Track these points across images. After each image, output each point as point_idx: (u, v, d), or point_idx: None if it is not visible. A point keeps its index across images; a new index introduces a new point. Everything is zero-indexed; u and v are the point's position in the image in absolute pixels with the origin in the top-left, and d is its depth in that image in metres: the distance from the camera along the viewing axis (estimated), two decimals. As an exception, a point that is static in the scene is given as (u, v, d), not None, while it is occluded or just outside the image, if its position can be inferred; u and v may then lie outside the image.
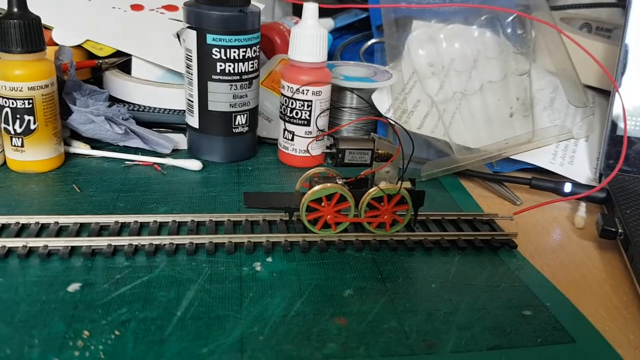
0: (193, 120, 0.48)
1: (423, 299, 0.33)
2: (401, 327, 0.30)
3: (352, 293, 0.33)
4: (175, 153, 0.50)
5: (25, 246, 0.34)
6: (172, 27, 0.58)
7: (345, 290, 0.33)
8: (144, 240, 0.35)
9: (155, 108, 0.53)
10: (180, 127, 0.53)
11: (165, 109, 0.53)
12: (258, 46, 0.47)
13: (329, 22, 0.73)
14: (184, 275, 0.33)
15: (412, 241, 0.38)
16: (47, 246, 0.34)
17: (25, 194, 0.41)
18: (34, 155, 0.43)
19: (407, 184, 0.38)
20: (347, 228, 0.38)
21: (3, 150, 0.44)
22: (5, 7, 0.55)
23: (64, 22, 0.56)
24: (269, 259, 0.36)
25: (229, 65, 0.45)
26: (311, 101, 0.47)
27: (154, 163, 0.47)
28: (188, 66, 0.46)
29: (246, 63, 0.46)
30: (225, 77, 0.46)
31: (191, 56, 0.46)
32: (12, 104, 0.41)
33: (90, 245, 0.34)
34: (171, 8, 0.61)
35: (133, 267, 0.34)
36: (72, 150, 0.47)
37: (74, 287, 0.31)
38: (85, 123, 0.47)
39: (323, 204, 0.37)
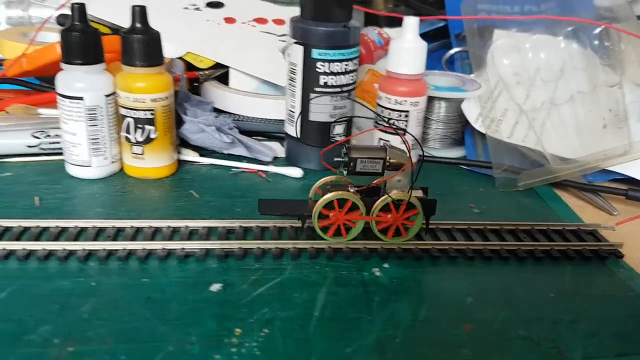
0: (293, 130, 0.50)
1: (544, 307, 0.34)
2: (529, 334, 0.31)
3: (473, 301, 0.34)
4: (274, 161, 0.52)
5: (164, 249, 0.37)
6: (266, 40, 0.60)
7: (466, 297, 0.34)
8: (270, 244, 0.38)
9: (252, 117, 0.56)
10: (275, 136, 0.56)
11: (261, 118, 0.56)
12: (357, 59, 0.49)
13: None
14: (310, 278, 0.35)
15: (523, 251, 0.39)
16: (184, 249, 0.37)
17: (147, 199, 0.44)
18: (153, 162, 0.46)
19: (419, 193, 0.39)
20: (472, 238, 0.40)
21: (120, 158, 0.47)
22: (115, 22, 0.59)
23: (165, 34, 0.59)
24: (386, 265, 0.37)
25: (332, 78, 0.47)
26: (408, 111, 0.48)
27: (258, 170, 0.50)
28: (292, 79, 0.49)
29: (347, 75, 0.48)
30: (328, 89, 0.48)
31: (295, 70, 0.48)
32: (135, 114, 0.45)
33: (223, 248, 0.37)
34: (261, 21, 0.63)
35: (264, 269, 0.36)
36: (182, 157, 0.50)
37: (216, 287, 0.34)
38: (196, 132, 0.50)
39: (335, 211, 0.38)
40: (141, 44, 0.43)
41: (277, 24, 0.64)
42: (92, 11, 0.60)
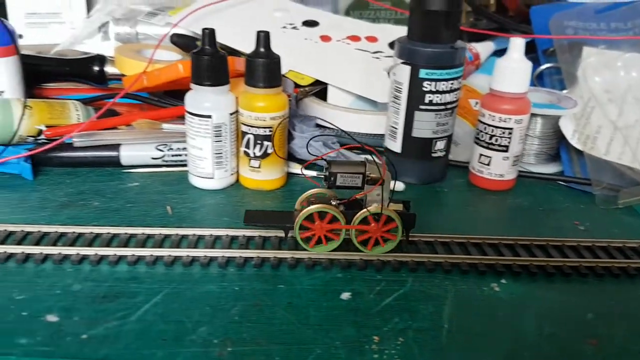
0: (395, 145, 0.52)
1: (666, 326, 0.35)
2: (656, 351, 0.33)
3: (593, 317, 0.35)
4: (374, 174, 0.55)
5: (293, 257, 0.40)
6: (360, 57, 0.63)
7: (586, 314, 0.36)
8: (389, 256, 0.40)
9: (349, 132, 0.58)
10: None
11: (358, 133, 0.58)
12: (461, 77, 0.50)
13: (490, 46, 0.75)
14: (432, 291, 0.37)
15: (633, 268, 0.40)
16: (310, 258, 0.39)
17: (267, 209, 0.47)
18: (267, 175, 0.50)
19: (399, 206, 0.41)
20: (567, 254, 0.41)
21: (237, 171, 0.51)
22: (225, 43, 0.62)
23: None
24: (503, 281, 0.39)
25: (437, 97, 0.49)
26: (512, 129, 0.50)
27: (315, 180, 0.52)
28: (396, 97, 0.51)
29: (451, 94, 0.50)
30: (432, 107, 0.50)
31: (401, 88, 0.50)
32: (255, 131, 0.48)
33: (347, 259, 0.40)
34: (354, 38, 0.66)
35: (386, 280, 0.38)
36: (289, 170, 0.53)
37: (345, 295, 0.37)
38: (304, 147, 0.53)
39: (316, 222, 0.39)
40: (264, 67, 0.46)
41: (370, 41, 0.66)
42: (198, 30, 0.64)
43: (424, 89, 0.49)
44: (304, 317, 0.34)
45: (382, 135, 0.57)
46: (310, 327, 0.33)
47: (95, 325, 0.32)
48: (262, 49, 0.47)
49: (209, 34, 0.46)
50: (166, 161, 0.52)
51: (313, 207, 0.39)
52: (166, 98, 0.60)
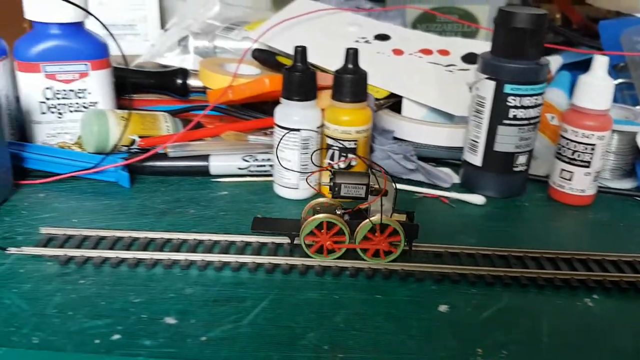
0: (475, 159, 0.53)
1: None
2: None
3: (695, 335, 0.36)
4: (450, 187, 0.55)
5: (387, 269, 0.41)
6: (434, 70, 0.64)
7: (686, 332, 0.36)
8: (482, 270, 0.41)
9: (425, 144, 0.59)
10: (444, 162, 0.59)
11: (433, 146, 0.59)
12: (544, 92, 0.51)
13: (559, 60, 0.75)
14: (528, 306, 0.38)
15: None
16: (404, 269, 0.41)
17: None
18: (350, 186, 0.51)
19: (403, 217, 0.41)
20: None
21: (319, 182, 0.53)
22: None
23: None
24: (595, 296, 0.39)
25: (521, 112, 0.50)
26: (595, 145, 0.50)
27: (440, 196, 0.53)
28: (478, 111, 0.52)
29: (535, 109, 0.50)
30: (516, 122, 0.50)
31: (484, 103, 0.51)
32: (340, 144, 0.50)
33: (440, 272, 0.41)
34: (426, 52, 0.67)
35: (480, 294, 0.39)
36: (369, 181, 0.55)
37: (443, 308, 0.38)
38: (383, 159, 0.54)
39: (323, 231, 0.41)
40: (351, 83, 0.48)
41: (442, 54, 0.67)
42: (275, 44, 0.67)
43: (509, 104, 0.50)
44: (405, 327, 0.36)
45: (457, 148, 0.58)
46: (414, 337, 0.35)
47: (212, 327, 0.35)
48: (350, 65, 0.48)
49: (301, 51, 0.48)
50: (251, 171, 0.55)
51: (322, 216, 0.41)
52: (244, 110, 0.63)
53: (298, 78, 0.48)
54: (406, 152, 0.55)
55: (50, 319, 0.35)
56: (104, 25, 0.46)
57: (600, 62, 0.49)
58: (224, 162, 0.54)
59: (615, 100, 0.68)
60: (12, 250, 0.41)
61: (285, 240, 0.43)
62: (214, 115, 0.64)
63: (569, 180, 0.52)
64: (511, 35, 0.49)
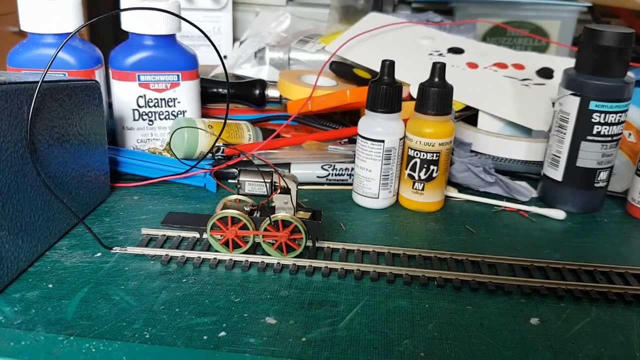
0: (556, 174, 0.53)
1: None
2: None
3: None
4: (529, 200, 0.56)
5: (475, 280, 0.42)
6: (510, 84, 0.64)
7: None
8: (571, 285, 0.41)
9: (503, 158, 0.60)
10: (524, 176, 0.59)
11: (511, 159, 0.60)
12: (628, 110, 0.51)
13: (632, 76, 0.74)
14: (617, 320, 0.38)
15: None
16: (492, 282, 0.41)
17: (432, 231, 0.49)
18: (429, 197, 0.52)
19: (307, 215, 0.44)
20: None
21: (398, 192, 0.54)
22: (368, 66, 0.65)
23: (418, 79, 0.66)
24: (689, 316, 0.39)
25: (605, 128, 0.50)
26: (682, 163, 0.50)
27: (519, 210, 0.53)
28: (561, 126, 0.52)
29: (619, 126, 0.50)
30: (599, 138, 0.50)
31: (567, 118, 0.51)
32: (423, 155, 0.51)
33: (529, 285, 0.41)
34: (501, 66, 0.68)
35: (570, 308, 0.39)
36: (446, 193, 0.55)
37: (534, 320, 0.38)
38: (462, 171, 0.55)
39: (228, 226, 0.43)
40: (436, 96, 0.49)
41: (517, 68, 0.67)
42: (350, 57, 0.68)
43: (593, 120, 0.50)
44: (499, 338, 0.36)
45: (535, 162, 0.58)
46: (508, 348, 0.35)
47: (311, 329, 0.36)
48: (436, 79, 0.50)
49: (389, 65, 0.49)
50: (329, 180, 0.56)
51: (224, 212, 0.43)
52: (319, 120, 0.65)
53: (384, 91, 0.49)
54: (485, 164, 0.55)
55: (159, 315, 0.37)
56: (207, 38, 0.48)
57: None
58: (305, 170, 0.56)
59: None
60: (117, 249, 0.44)
61: (373, 248, 0.45)
62: (291, 125, 0.66)
63: (653, 197, 0.51)
64: (598, 53, 0.49)
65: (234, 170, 0.56)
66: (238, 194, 0.44)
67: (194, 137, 0.56)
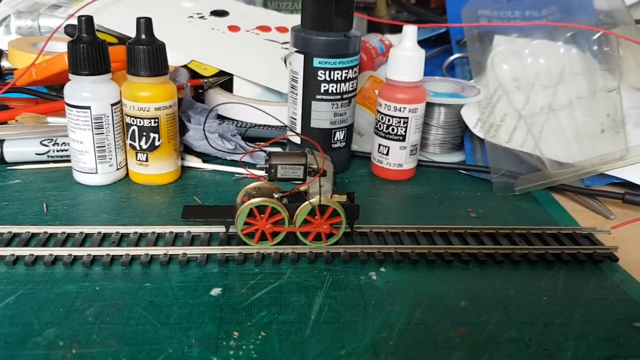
0: (295, 137, 0.51)
1: (536, 310, 0.34)
2: (521, 337, 0.32)
3: (467, 304, 0.35)
4: (276, 166, 0.53)
5: (166, 254, 0.38)
6: (268, 48, 0.61)
7: (460, 301, 0.35)
8: (270, 249, 0.39)
9: (254, 124, 0.57)
10: (279, 142, 0.57)
11: (264, 125, 0.57)
12: (357, 67, 0.50)
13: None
14: (309, 282, 0.36)
15: (517, 254, 0.40)
16: (185, 254, 0.38)
17: (152, 205, 0.45)
18: (157, 169, 0.47)
19: (343, 198, 0.40)
20: (468, 241, 0.41)
21: (126, 164, 0.49)
22: (122, 32, 0.60)
23: (170, 43, 0.60)
24: (382, 269, 0.38)
25: (332, 86, 0.48)
26: (407, 118, 0.49)
27: (261, 175, 0.51)
28: (293, 87, 0.50)
29: (347, 83, 0.49)
30: (328, 97, 0.49)
31: (297, 78, 0.49)
32: (140, 122, 0.46)
33: (224, 253, 0.38)
34: (264, 29, 0.65)
35: (263, 274, 0.37)
36: (186, 163, 0.51)
37: (216, 291, 0.35)
38: (200, 139, 0.51)
39: (257, 217, 0.38)
40: (146, 55, 0.44)
41: (280, 31, 0.65)
42: (100, 21, 0.62)
43: (319, 78, 0.48)
44: (164, 315, 0.32)
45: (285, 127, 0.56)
46: (169, 326, 0.32)
47: None
48: (143, 36, 0.45)
49: (86, 20, 0.43)
50: (51, 157, 0.50)
51: (255, 201, 0.37)
52: (59, 92, 0.58)
53: (84, 50, 0.43)
54: (226, 131, 0.52)
55: None
56: None
57: (408, 33, 0.48)
58: (20, 147, 0.49)
59: (455, 75, 0.69)
60: None
61: (64, 229, 0.39)
62: (29, 99, 0.58)
63: (387, 155, 0.51)
64: (316, 6, 0.47)
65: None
66: (269, 180, 0.38)
67: None
